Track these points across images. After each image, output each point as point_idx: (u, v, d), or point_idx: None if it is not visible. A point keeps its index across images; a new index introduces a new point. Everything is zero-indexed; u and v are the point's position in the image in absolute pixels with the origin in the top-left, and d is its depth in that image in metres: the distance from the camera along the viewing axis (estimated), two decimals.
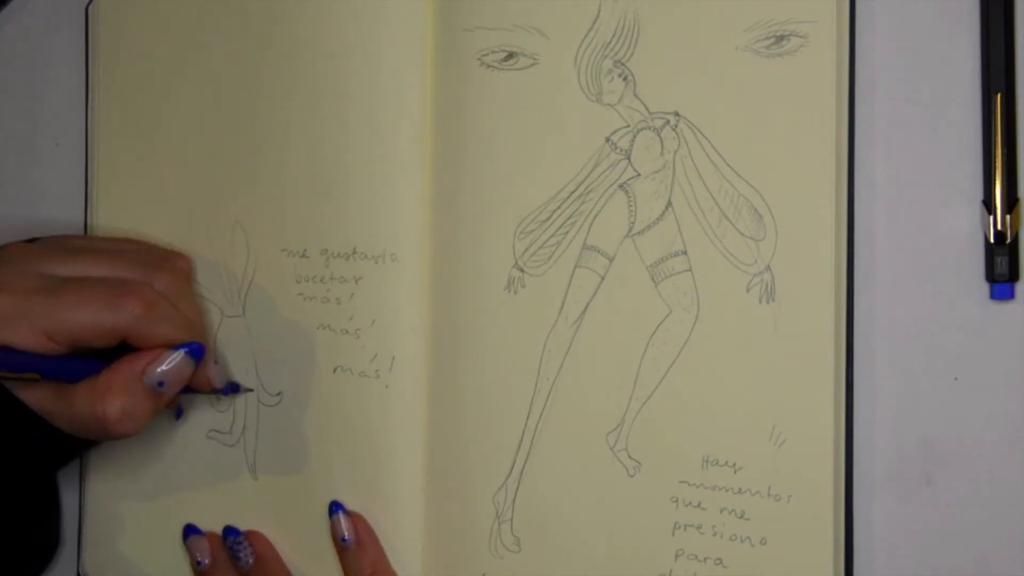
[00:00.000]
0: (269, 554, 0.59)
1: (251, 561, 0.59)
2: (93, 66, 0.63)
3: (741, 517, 0.52)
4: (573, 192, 0.55)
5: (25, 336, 0.52)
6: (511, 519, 0.56)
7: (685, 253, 0.54)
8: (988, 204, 0.51)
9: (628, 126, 0.55)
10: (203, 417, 0.62)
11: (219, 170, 0.61)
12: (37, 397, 0.53)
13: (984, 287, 0.52)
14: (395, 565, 0.58)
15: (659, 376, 0.54)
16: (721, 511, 0.53)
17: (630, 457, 0.54)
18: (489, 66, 0.56)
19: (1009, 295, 0.51)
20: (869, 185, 0.53)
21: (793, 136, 0.52)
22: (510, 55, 0.56)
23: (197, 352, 0.55)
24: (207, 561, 0.60)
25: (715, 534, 0.53)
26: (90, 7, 0.64)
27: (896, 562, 0.52)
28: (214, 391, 0.58)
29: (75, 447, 0.56)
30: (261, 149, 0.60)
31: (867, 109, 0.53)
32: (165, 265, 0.57)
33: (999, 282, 0.51)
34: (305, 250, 0.60)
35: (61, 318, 0.52)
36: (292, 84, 0.60)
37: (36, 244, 0.57)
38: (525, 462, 0.56)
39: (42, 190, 0.66)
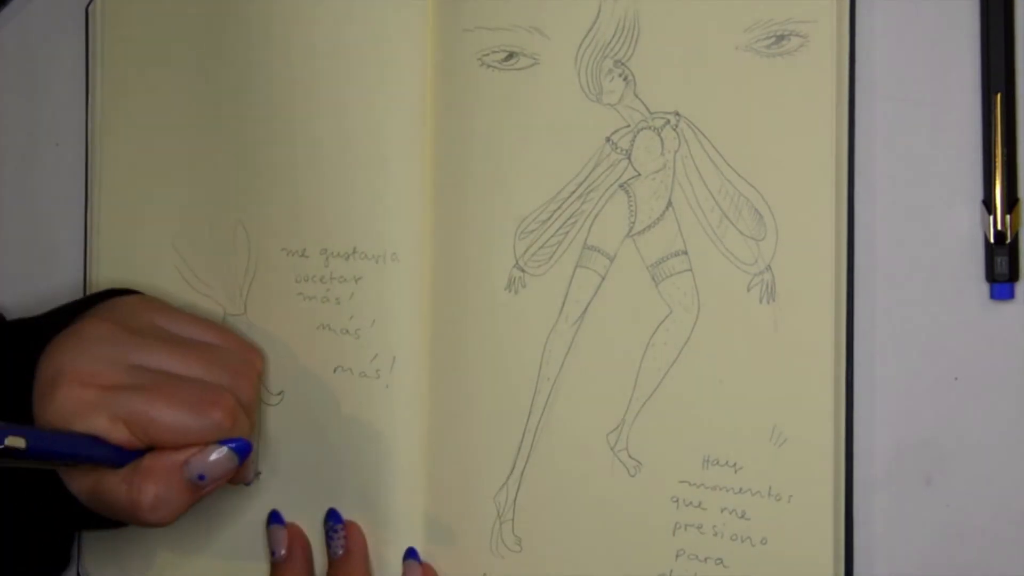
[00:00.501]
0: (358, 551, 0.58)
1: (340, 552, 0.58)
2: (93, 66, 0.63)
3: (742, 517, 0.52)
4: (574, 192, 0.55)
5: (106, 426, 0.50)
6: (512, 519, 0.56)
7: (685, 253, 0.54)
8: (988, 204, 0.51)
9: (628, 126, 0.55)
10: None
11: (220, 170, 0.61)
12: (79, 484, 0.52)
13: (984, 287, 0.52)
14: (395, 565, 0.58)
15: (659, 376, 0.54)
16: (721, 511, 0.53)
17: (631, 457, 0.54)
18: (489, 66, 0.56)
19: (1009, 295, 0.51)
20: (869, 185, 0.53)
21: (793, 136, 0.52)
22: (510, 55, 0.56)
23: (243, 451, 0.53)
24: (282, 552, 0.59)
25: (716, 534, 0.53)
26: (90, 7, 0.64)
27: (896, 562, 0.52)
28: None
29: (101, 523, 0.55)
30: (261, 149, 0.60)
31: (867, 109, 0.53)
32: (248, 370, 0.55)
33: (999, 282, 0.51)
34: (304, 250, 0.60)
35: (147, 417, 0.51)
36: (292, 84, 0.60)
37: (125, 325, 0.54)
38: (526, 462, 0.56)
39: (42, 190, 0.66)
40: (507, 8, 0.56)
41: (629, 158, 0.55)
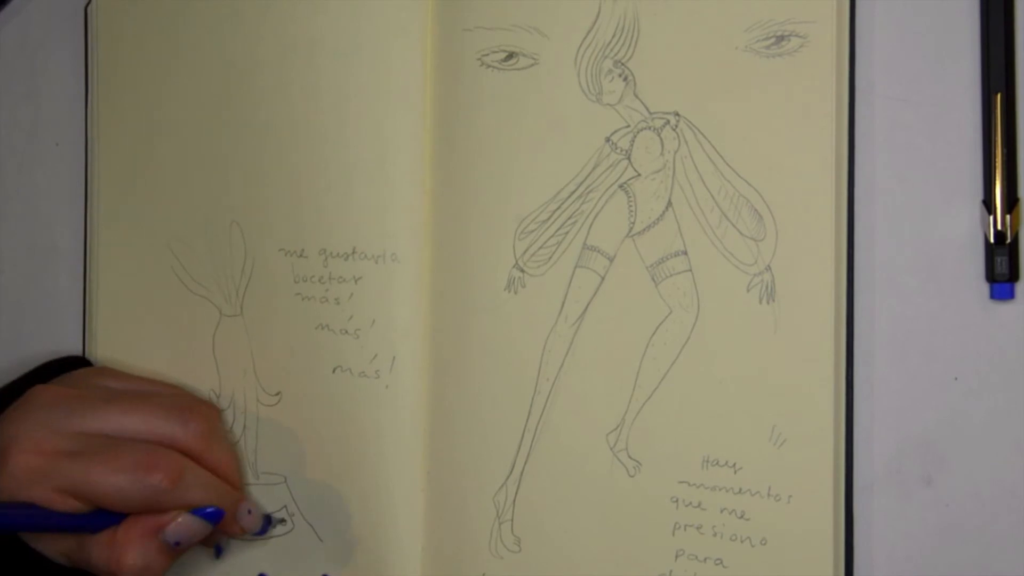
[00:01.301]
0: None
1: None
2: (93, 66, 0.63)
3: (741, 517, 0.52)
4: (573, 192, 0.55)
5: (49, 496, 0.52)
6: (511, 519, 0.56)
7: (685, 253, 0.54)
8: (988, 204, 0.51)
9: (628, 126, 0.55)
10: None
11: (218, 169, 0.61)
12: (58, 547, 0.54)
13: (984, 287, 0.52)
14: (395, 565, 0.58)
15: (659, 376, 0.54)
16: (721, 511, 0.53)
17: (630, 457, 0.54)
18: (489, 66, 0.56)
19: (1009, 295, 0.51)
20: (869, 185, 0.53)
21: (793, 136, 0.52)
22: (510, 55, 0.56)
23: (213, 517, 0.54)
24: None
25: (715, 534, 0.53)
26: (89, 7, 0.64)
27: (896, 562, 0.52)
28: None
29: None
30: (260, 149, 0.60)
31: (867, 109, 0.53)
32: (195, 412, 0.56)
33: (999, 282, 0.51)
34: (303, 250, 0.60)
35: (88, 483, 0.52)
36: (292, 84, 0.60)
37: (69, 388, 0.56)
38: (525, 462, 0.56)
39: (42, 190, 0.66)
40: (507, 8, 0.56)
41: (629, 158, 0.55)
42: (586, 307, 0.55)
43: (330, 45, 0.59)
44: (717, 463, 0.53)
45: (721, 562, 0.53)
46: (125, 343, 0.63)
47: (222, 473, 0.56)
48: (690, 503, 0.53)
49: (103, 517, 0.53)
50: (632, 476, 0.54)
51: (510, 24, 0.56)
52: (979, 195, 0.52)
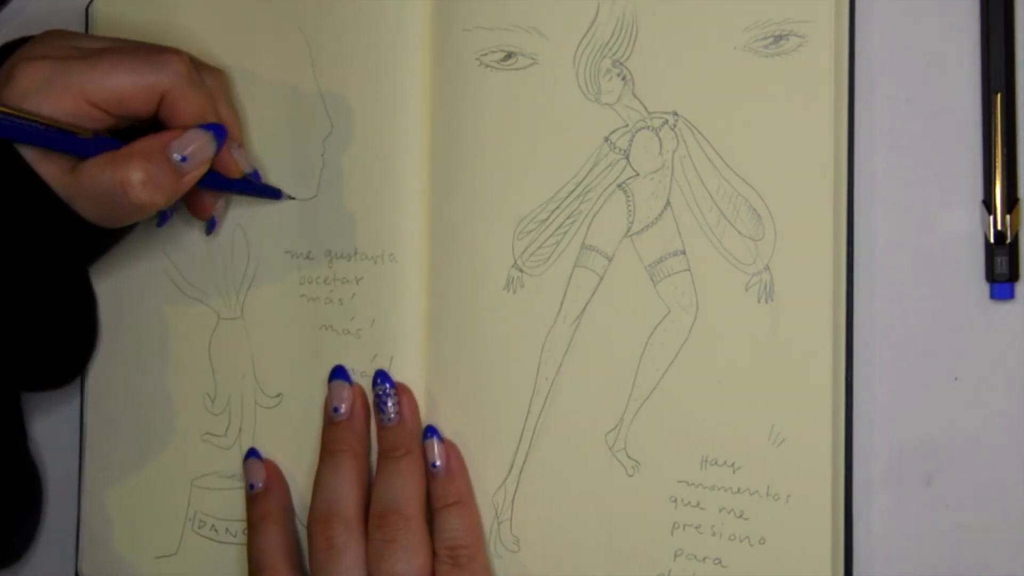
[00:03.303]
0: (412, 416, 0.57)
1: (394, 417, 0.57)
2: None
3: (740, 517, 0.52)
4: (572, 192, 0.55)
5: (64, 100, 0.52)
6: (510, 519, 0.56)
7: (684, 253, 0.54)
8: (988, 204, 0.51)
9: (627, 126, 0.55)
10: (197, 420, 0.62)
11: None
12: (50, 172, 0.53)
13: (984, 287, 0.52)
14: None
15: (658, 376, 0.54)
16: (720, 511, 0.53)
17: (629, 457, 0.54)
18: (488, 66, 0.56)
19: (1009, 295, 0.51)
20: (868, 185, 0.53)
21: (792, 136, 0.52)
22: (509, 55, 0.56)
23: (219, 132, 0.55)
24: (343, 409, 0.57)
25: (714, 534, 0.53)
26: (90, 7, 0.64)
27: (895, 562, 0.52)
28: (248, 186, 0.58)
29: (93, 237, 0.56)
30: (261, 151, 0.61)
31: (866, 109, 0.53)
32: (176, 52, 0.56)
33: (999, 282, 0.51)
34: (309, 251, 0.60)
35: (102, 76, 0.52)
36: (291, 84, 0.60)
37: (73, 32, 0.57)
38: (524, 462, 0.56)
39: None
40: (505, 8, 0.56)
41: (627, 158, 0.55)
42: (585, 307, 0.55)
43: (329, 45, 0.59)
44: (716, 463, 0.53)
45: (720, 562, 0.53)
46: (119, 348, 0.63)
47: (224, 103, 0.57)
48: (689, 503, 0.53)
49: (104, 142, 0.53)
50: (631, 476, 0.54)
51: (509, 24, 0.56)
52: (979, 195, 0.52)
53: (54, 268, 0.57)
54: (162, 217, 0.60)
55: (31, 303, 0.56)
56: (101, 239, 0.57)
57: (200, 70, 0.56)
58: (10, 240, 0.54)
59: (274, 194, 0.60)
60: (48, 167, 0.53)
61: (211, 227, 0.61)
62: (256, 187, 0.59)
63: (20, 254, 0.54)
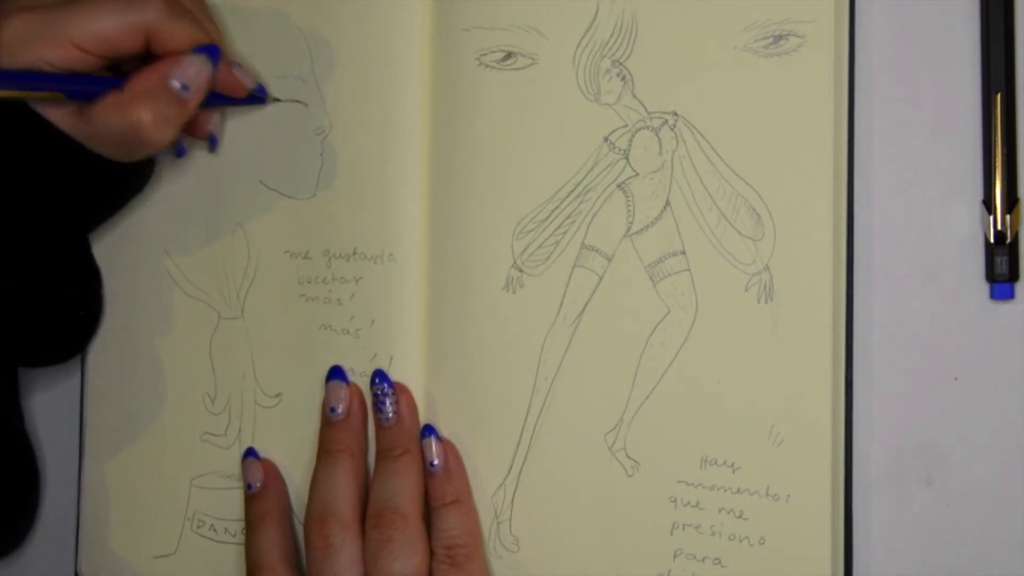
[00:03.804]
0: (410, 415, 0.57)
1: (392, 416, 0.57)
2: None
3: (740, 517, 0.52)
4: (571, 192, 0.55)
5: (54, 50, 0.52)
6: (510, 519, 0.56)
7: (683, 253, 0.54)
8: (988, 204, 0.51)
9: (626, 126, 0.55)
10: (196, 420, 0.62)
11: (217, 173, 0.61)
12: (59, 118, 0.54)
13: (984, 287, 0.52)
14: None
15: (657, 376, 0.54)
16: (719, 511, 0.53)
17: (628, 457, 0.54)
18: (487, 66, 0.56)
19: (1009, 295, 0.51)
20: (868, 185, 0.53)
21: (792, 136, 0.52)
22: (508, 55, 0.56)
23: (213, 52, 0.55)
24: (340, 409, 0.58)
25: (713, 534, 0.53)
26: None
27: (895, 562, 0.52)
28: (252, 97, 0.58)
29: (117, 174, 0.56)
30: (262, 151, 0.61)
31: (866, 109, 0.53)
32: None
33: (999, 282, 0.51)
34: (308, 251, 0.60)
35: (86, 22, 0.52)
36: (291, 84, 0.60)
37: None
38: (523, 462, 0.56)
39: None
40: (505, 8, 0.56)
41: (627, 158, 0.55)
42: (584, 307, 0.55)
43: (329, 45, 0.59)
44: (715, 463, 0.53)
45: (720, 562, 0.53)
46: (120, 347, 0.63)
47: (208, 26, 0.56)
48: (688, 503, 0.53)
49: (104, 82, 0.53)
50: (630, 476, 0.54)
51: (508, 24, 0.56)
52: (979, 195, 0.52)
53: (82, 214, 0.58)
54: (179, 149, 0.61)
55: (41, 268, 0.57)
56: (124, 178, 0.58)
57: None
58: (35, 192, 0.55)
59: (261, 99, 0.59)
60: (57, 115, 0.54)
61: (213, 143, 0.61)
62: (249, 99, 0.59)
63: (45, 206, 0.56)
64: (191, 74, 0.54)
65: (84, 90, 0.53)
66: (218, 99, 0.57)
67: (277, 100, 0.60)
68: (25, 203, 0.55)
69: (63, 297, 0.60)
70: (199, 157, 0.61)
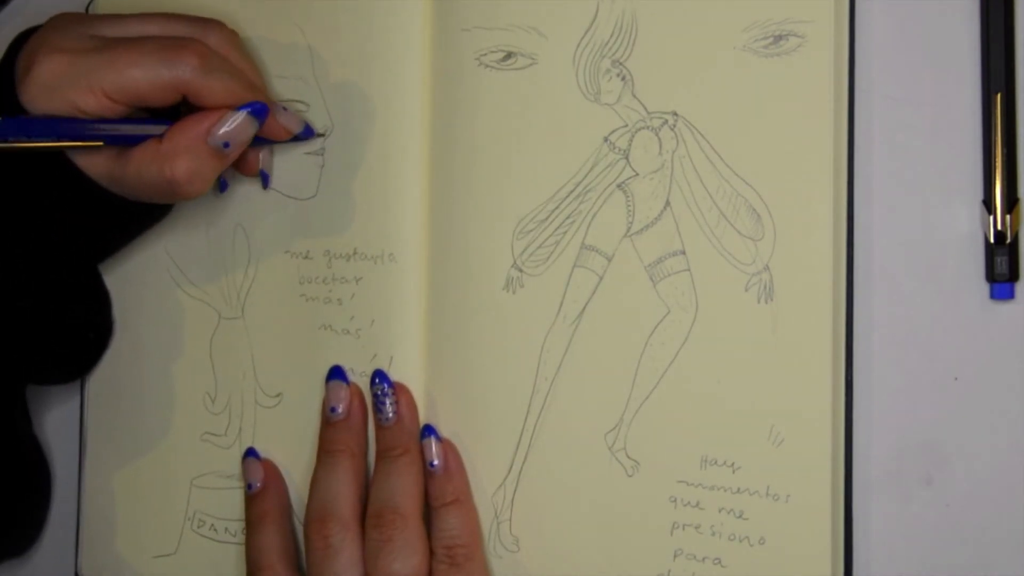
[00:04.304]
0: (411, 415, 0.57)
1: (392, 417, 0.57)
2: None
3: (740, 517, 0.52)
4: (571, 192, 0.55)
5: (85, 97, 0.52)
6: (510, 519, 0.56)
7: (683, 253, 0.54)
8: (988, 204, 0.51)
9: (626, 126, 0.55)
10: (197, 420, 0.62)
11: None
12: (95, 164, 0.54)
13: (984, 287, 0.52)
14: None
15: (657, 376, 0.54)
16: (719, 511, 0.53)
17: (628, 457, 0.54)
18: (487, 66, 0.56)
19: (1009, 295, 0.51)
20: (868, 185, 0.53)
21: (791, 136, 0.52)
22: (508, 55, 0.56)
23: (259, 112, 0.54)
24: (340, 409, 0.58)
25: (713, 534, 0.53)
26: (90, 7, 0.64)
27: (895, 562, 0.52)
28: (295, 138, 0.58)
29: (130, 220, 0.57)
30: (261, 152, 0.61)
31: (866, 109, 0.53)
32: (213, 23, 0.56)
33: (999, 282, 0.51)
34: (308, 251, 0.60)
35: (118, 75, 0.52)
36: (291, 84, 0.60)
37: (82, 17, 0.56)
38: (523, 462, 0.56)
39: None
40: (505, 8, 0.56)
41: (627, 158, 0.55)
42: (584, 307, 0.55)
43: (329, 45, 0.59)
44: (715, 463, 0.53)
45: (720, 562, 0.53)
46: (121, 347, 0.63)
47: (247, 77, 0.56)
48: (688, 503, 0.53)
49: (145, 127, 0.53)
50: (630, 476, 0.54)
51: (508, 24, 0.56)
52: (979, 195, 0.52)
53: (97, 247, 0.59)
54: (222, 185, 0.61)
55: (53, 292, 0.58)
56: (144, 215, 0.58)
57: (220, 47, 0.56)
58: (57, 230, 0.55)
59: (309, 134, 0.59)
60: (92, 160, 0.54)
61: (265, 181, 0.60)
62: (295, 137, 0.59)
63: (64, 241, 0.56)
64: (233, 132, 0.54)
65: (124, 137, 0.53)
66: (263, 140, 0.57)
67: (323, 136, 0.59)
68: (45, 239, 0.55)
69: (73, 320, 0.60)
70: None
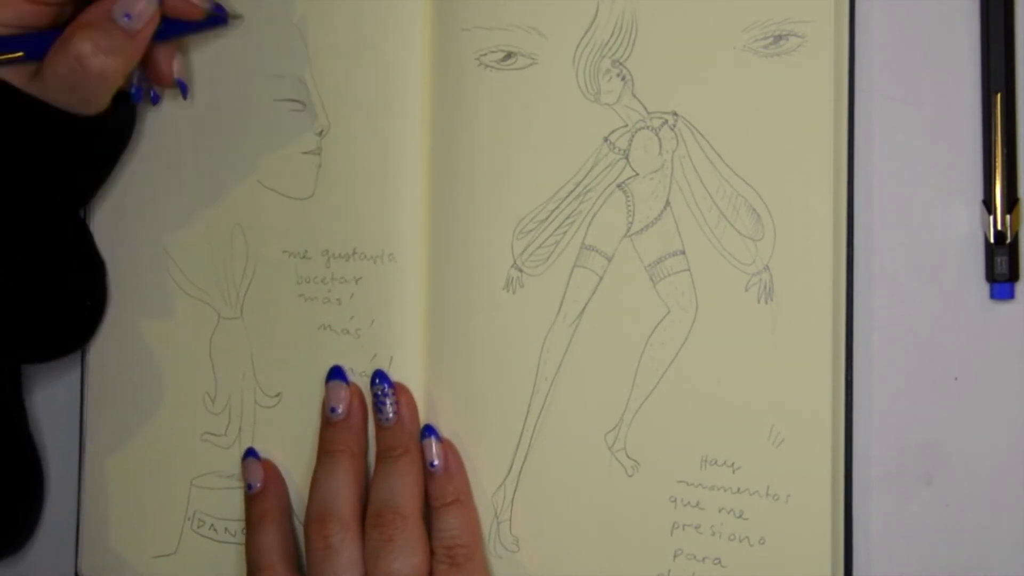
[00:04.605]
0: (411, 415, 0.57)
1: (392, 417, 0.57)
2: None
3: (740, 517, 0.52)
4: (571, 192, 0.55)
5: (5, 9, 0.52)
6: (510, 519, 0.56)
7: (683, 253, 0.54)
8: (988, 204, 0.51)
9: (626, 126, 0.55)
10: (197, 420, 0.62)
11: (217, 173, 0.61)
12: (16, 77, 0.53)
13: (984, 287, 0.52)
14: None
15: (657, 376, 0.54)
16: (719, 511, 0.53)
17: (628, 457, 0.54)
18: (487, 66, 0.56)
19: (1009, 295, 0.51)
20: (868, 185, 0.53)
21: (792, 136, 0.52)
22: (508, 55, 0.56)
23: None
24: (340, 409, 0.57)
25: (714, 534, 0.53)
26: None
27: (895, 562, 0.52)
28: (210, 20, 0.56)
29: (83, 132, 0.55)
30: (261, 151, 0.61)
31: (866, 109, 0.53)
32: None
33: (999, 282, 0.51)
34: (306, 251, 0.60)
35: None
36: (291, 84, 0.60)
37: None
38: (524, 462, 0.56)
39: None
40: (505, 8, 0.56)
41: (627, 158, 0.55)
42: (584, 307, 0.55)
43: (328, 45, 0.59)
44: (716, 463, 0.53)
45: (720, 562, 0.53)
46: (120, 347, 0.63)
47: None
48: (688, 503, 0.53)
49: (47, 35, 0.53)
50: (630, 476, 0.54)
51: (508, 24, 0.56)
52: (979, 195, 0.52)
53: (66, 179, 0.57)
54: (153, 96, 0.59)
55: (46, 252, 0.57)
56: (98, 132, 0.56)
57: None
58: (12, 161, 0.54)
59: (222, 19, 0.57)
60: (14, 75, 0.53)
61: (184, 90, 0.59)
62: (209, 21, 0.57)
63: (26, 175, 0.55)
64: (138, 5, 0.53)
65: (42, 46, 0.52)
66: (176, 28, 0.56)
67: (238, 17, 0.58)
68: (5, 175, 0.54)
69: (70, 287, 0.60)
70: (198, 154, 0.61)
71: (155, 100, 0.60)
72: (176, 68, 0.58)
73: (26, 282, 0.57)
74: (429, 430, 0.57)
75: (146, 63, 0.57)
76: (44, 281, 0.58)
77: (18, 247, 0.56)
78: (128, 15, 0.53)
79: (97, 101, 0.55)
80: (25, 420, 0.63)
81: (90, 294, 0.62)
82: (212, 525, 0.61)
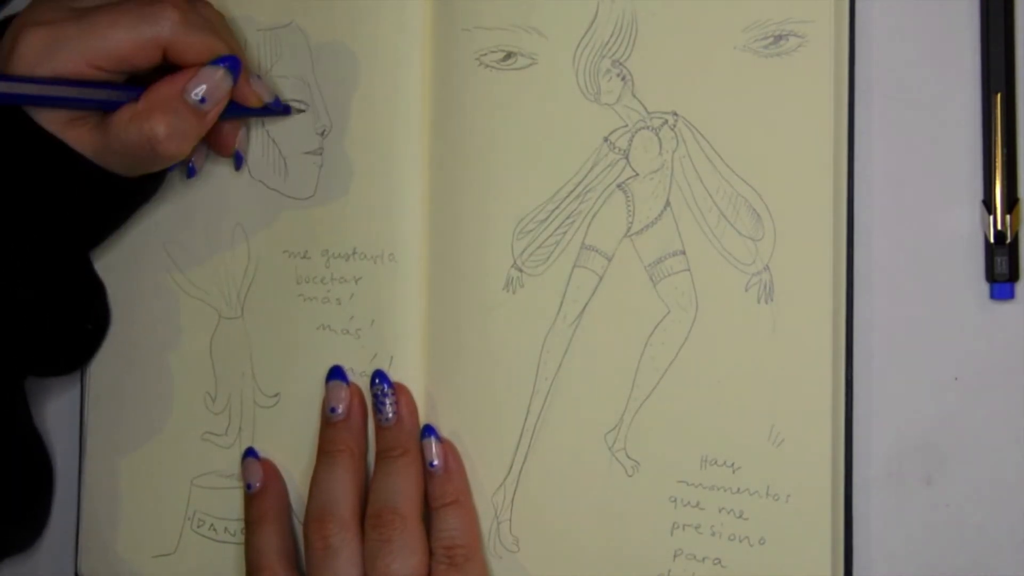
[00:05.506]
0: (411, 416, 0.57)
1: (392, 417, 0.57)
2: None
3: (740, 517, 0.52)
4: (571, 192, 0.55)
5: (69, 67, 0.52)
6: (510, 519, 0.56)
7: (683, 253, 0.54)
8: (988, 204, 0.51)
9: (626, 126, 0.55)
10: (197, 420, 0.62)
11: (218, 172, 0.61)
12: (80, 137, 0.54)
13: (984, 287, 0.52)
14: None
15: (657, 376, 0.54)
16: (720, 511, 0.53)
17: (628, 457, 0.54)
18: (487, 66, 0.56)
19: (1009, 295, 0.51)
20: (868, 185, 0.53)
21: (792, 136, 0.52)
22: (508, 55, 0.56)
23: (233, 64, 0.55)
24: (340, 409, 0.57)
25: (714, 534, 0.53)
26: None
27: (895, 562, 0.52)
28: (266, 109, 0.58)
29: (125, 191, 0.57)
30: (261, 151, 0.61)
31: (866, 109, 0.53)
32: None
33: (999, 282, 0.51)
34: (306, 251, 0.60)
35: (100, 39, 0.52)
36: (291, 84, 0.60)
37: None
38: (523, 462, 0.56)
39: None
40: (505, 8, 0.56)
41: (627, 158, 0.55)
42: (584, 307, 0.55)
43: (329, 45, 0.59)
44: (716, 463, 0.53)
45: (720, 562, 0.53)
46: (121, 347, 0.63)
47: (224, 35, 0.56)
48: (688, 503, 0.53)
49: (123, 92, 0.53)
50: (630, 476, 0.54)
51: (508, 24, 0.56)
52: (979, 195, 0.52)
53: (90, 230, 0.58)
54: (190, 170, 0.60)
55: (48, 278, 0.57)
56: (134, 193, 0.58)
57: (195, 5, 0.56)
58: (42, 207, 0.55)
59: (284, 111, 0.59)
60: (75, 131, 0.54)
61: (239, 162, 0.60)
62: (270, 109, 0.59)
63: (51, 221, 0.56)
64: (209, 86, 0.54)
65: (101, 100, 0.53)
66: (237, 110, 0.57)
67: (301, 111, 0.59)
68: (31, 218, 0.55)
69: (70, 311, 0.60)
70: (199, 158, 0.61)
71: (191, 173, 0.61)
72: (239, 142, 0.60)
73: (27, 308, 0.57)
74: (429, 430, 0.57)
75: (209, 135, 0.57)
76: (48, 304, 0.58)
77: (28, 284, 0.57)
78: (203, 98, 0.54)
79: (150, 171, 0.56)
80: (30, 418, 0.63)
81: (90, 317, 0.62)
82: (212, 525, 0.61)
